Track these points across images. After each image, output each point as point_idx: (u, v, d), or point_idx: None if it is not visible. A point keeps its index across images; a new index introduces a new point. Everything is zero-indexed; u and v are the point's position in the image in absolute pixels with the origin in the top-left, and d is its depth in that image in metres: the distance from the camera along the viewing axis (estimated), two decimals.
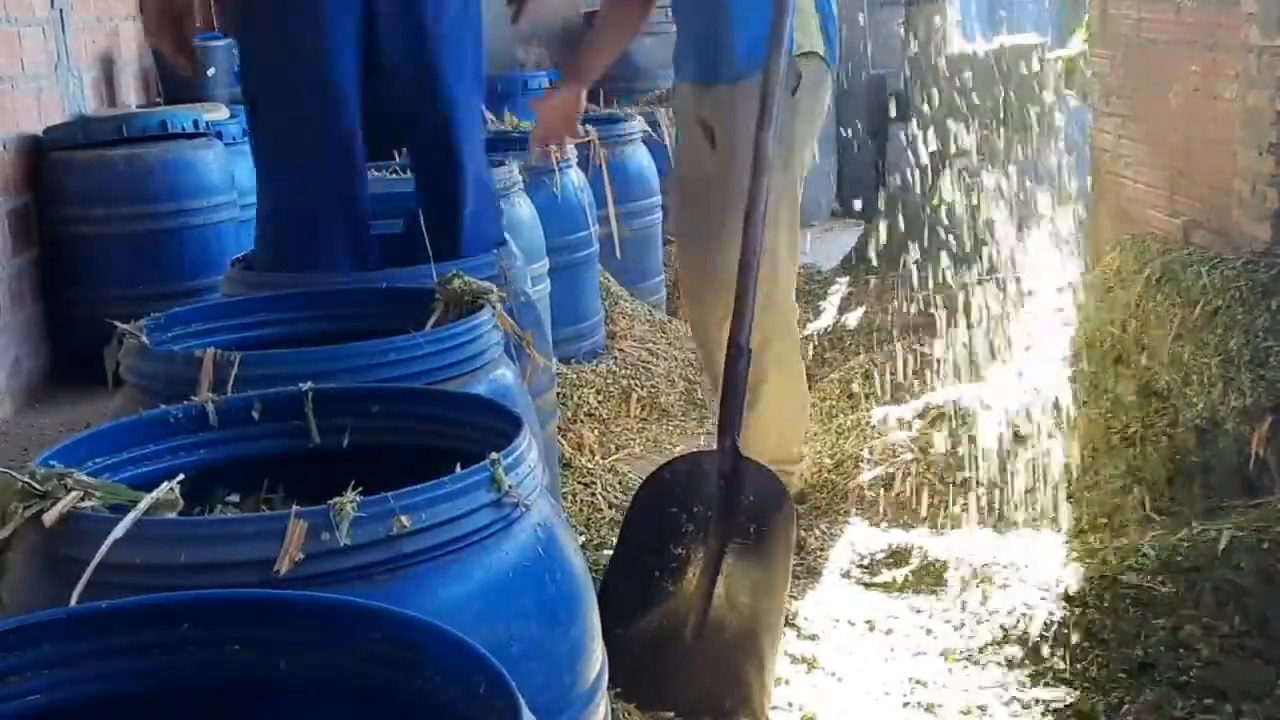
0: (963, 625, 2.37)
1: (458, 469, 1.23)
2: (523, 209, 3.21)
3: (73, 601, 1.11)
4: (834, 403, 3.54)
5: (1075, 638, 2.23)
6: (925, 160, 5.02)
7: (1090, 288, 3.45)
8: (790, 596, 2.51)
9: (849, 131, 6.77)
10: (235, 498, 1.50)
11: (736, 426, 2.35)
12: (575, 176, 3.89)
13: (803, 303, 5.07)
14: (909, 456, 2.97)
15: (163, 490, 1.22)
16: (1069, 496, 2.78)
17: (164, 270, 3.96)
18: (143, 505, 1.20)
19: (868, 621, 2.43)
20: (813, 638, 2.38)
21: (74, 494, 1.20)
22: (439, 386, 1.65)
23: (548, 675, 1.23)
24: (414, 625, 0.97)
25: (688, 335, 4.26)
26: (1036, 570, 2.42)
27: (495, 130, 4.39)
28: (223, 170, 4.15)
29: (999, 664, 2.24)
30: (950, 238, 5.02)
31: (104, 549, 1.13)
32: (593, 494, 3.05)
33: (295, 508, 1.15)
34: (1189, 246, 3.43)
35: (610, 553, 2.46)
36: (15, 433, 3.63)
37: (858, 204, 6.55)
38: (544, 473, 1.35)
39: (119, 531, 1.14)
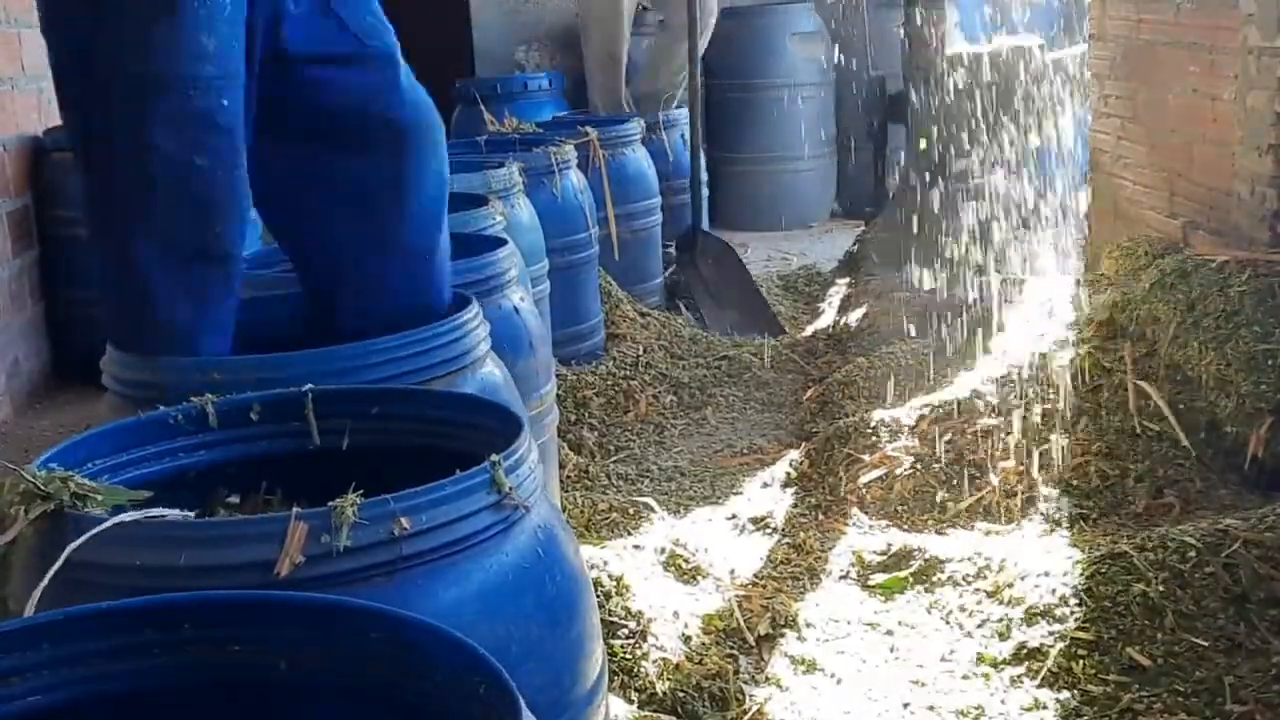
0: (963, 626, 2.37)
1: (457, 471, 1.23)
2: (523, 210, 3.22)
3: (38, 592, 1.11)
4: (834, 403, 3.54)
5: (1076, 638, 2.23)
6: (925, 160, 5.02)
7: (1089, 289, 3.45)
8: (790, 598, 2.51)
9: (849, 131, 6.77)
10: (235, 498, 1.51)
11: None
12: (575, 178, 3.90)
13: (802, 303, 5.08)
14: (909, 456, 2.97)
15: (172, 513, 1.22)
16: (1069, 497, 2.78)
17: None
18: (147, 511, 1.20)
19: (868, 622, 2.43)
20: (813, 639, 2.38)
21: (75, 497, 1.21)
22: (427, 385, 1.65)
23: (548, 676, 1.24)
24: (414, 625, 0.97)
25: (689, 338, 4.27)
26: (1038, 570, 2.42)
27: (495, 131, 4.40)
28: None
29: (999, 665, 2.24)
30: (949, 238, 5.02)
31: (78, 542, 1.13)
32: (593, 495, 3.05)
33: (296, 510, 1.15)
34: (1188, 247, 3.43)
35: (610, 553, 2.47)
36: (15, 434, 3.63)
37: (857, 204, 6.55)
38: (543, 474, 1.35)
39: (101, 528, 1.14)
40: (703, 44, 5.29)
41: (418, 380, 1.66)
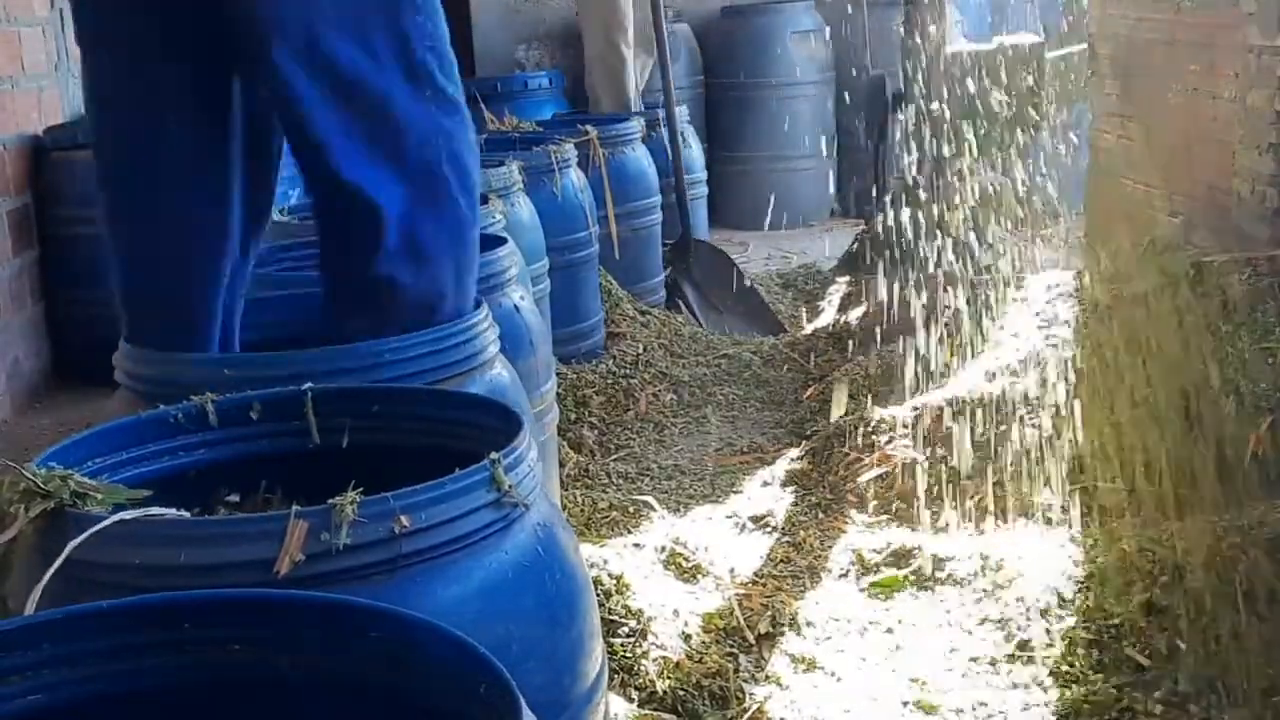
0: (963, 625, 2.37)
1: (457, 469, 1.23)
2: (523, 209, 3.21)
3: (38, 589, 1.11)
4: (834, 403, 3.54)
5: (1077, 637, 2.23)
6: (924, 160, 5.02)
7: (1089, 288, 3.45)
8: (790, 596, 2.51)
9: (849, 131, 6.77)
10: (235, 497, 1.51)
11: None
12: (575, 176, 3.90)
13: (802, 302, 5.08)
14: (909, 456, 2.98)
15: (169, 512, 1.22)
16: (1069, 496, 2.78)
17: None
18: (146, 510, 1.20)
19: (868, 621, 2.43)
20: (813, 638, 2.38)
21: (75, 496, 1.21)
22: (437, 386, 1.65)
23: (548, 676, 1.24)
24: (414, 625, 0.97)
25: (689, 336, 4.27)
26: (1038, 569, 2.42)
27: (495, 130, 4.40)
28: None
29: (1000, 664, 2.24)
30: (949, 237, 5.01)
31: (78, 540, 1.13)
32: (593, 494, 3.05)
33: (296, 508, 1.15)
34: (1188, 246, 3.43)
35: (610, 551, 2.47)
36: (15, 433, 3.63)
37: (857, 204, 6.55)
38: (543, 472, 1.35)
39: (100, 526, 1.14)
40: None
41: (428, 380, 1.66)
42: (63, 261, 4.03)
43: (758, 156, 6.71)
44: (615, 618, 2.23)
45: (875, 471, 2.98)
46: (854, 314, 4.36)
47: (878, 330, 4.11)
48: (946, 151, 4.91)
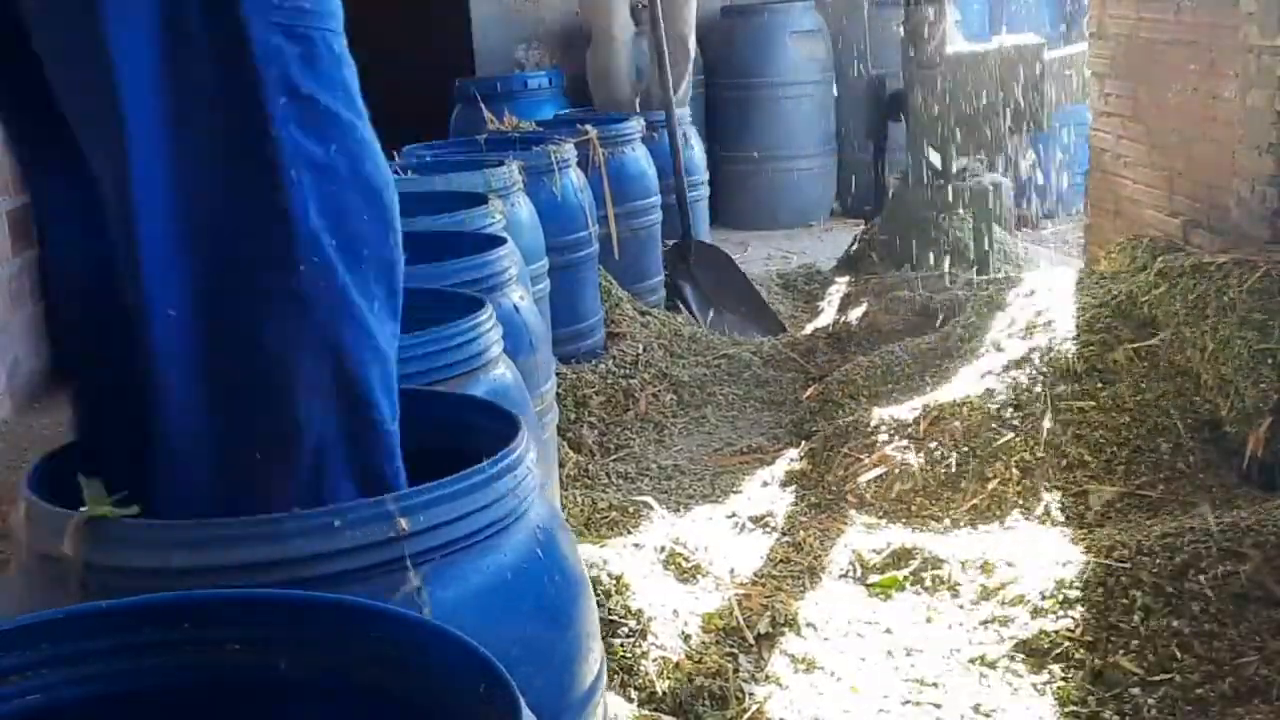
0: (962, 624, 2.38)
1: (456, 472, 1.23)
2: (522, 209, 3.22)
3: None
4: (834, 402, 3.54)
5: (1075, 637, 2.23)
6: (924, 160, 5.02)
7: (1088, 287, 3.45)
8: (790, 596, 2.51)
9: (849, 131, 6.77)
10: None
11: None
12: (575, 176, 3.90)
13: (802, 302, 5.08)
14: (908, 455, 2.98)
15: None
16: (1069, 495, 2.78)
17: None
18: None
19: (867, 621, 2.43)
20: (813, 638, 2.38)
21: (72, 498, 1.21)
22: (439, 386, 1.65)
23: (547, 677, 1.24)
24: (414, 625, 0.97)
25: (689, 336, 4.27)
26: (1037, 569, 2.42)
27: (495, 130, 4.40)
28: None
29: (999, 663, 2.24)
30: (949, 237, 5.02)
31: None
32: (592, 494, 3.05)
33: (294, 510, 1.15)
34: (1188, 246, 3.44)
35: (610, 551, 2.47)
36: (15, 433, 3.64)
37: (857, 204, 6.55)
38: (542, 473, 1.35)
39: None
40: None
41: (430, 381, 1.66)
42: None
43: (758, 156, 6.71)
44: (615, 618, 2.23)
45: (875, 472, 2.98)
46: (854, 314, 4.36)
47: (878, 331, 4.11)
48: (946, 151, 4.92)
